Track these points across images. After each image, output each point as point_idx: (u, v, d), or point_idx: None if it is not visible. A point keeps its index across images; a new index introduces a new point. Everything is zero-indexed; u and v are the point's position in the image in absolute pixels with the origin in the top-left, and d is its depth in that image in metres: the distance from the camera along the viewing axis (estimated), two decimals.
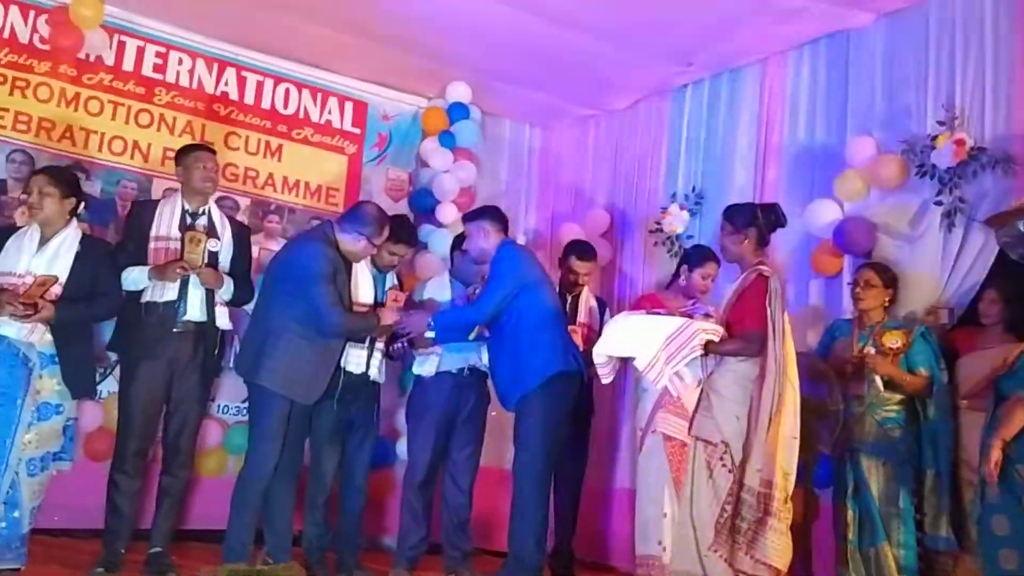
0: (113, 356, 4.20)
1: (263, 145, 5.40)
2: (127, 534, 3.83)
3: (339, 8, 4.83)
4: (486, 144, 5.97)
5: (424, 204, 5.62)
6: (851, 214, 4.37)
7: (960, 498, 3.60)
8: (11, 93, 4.67)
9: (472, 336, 4.13)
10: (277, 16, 4.95)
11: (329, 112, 5.64)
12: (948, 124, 4.01)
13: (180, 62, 5.17)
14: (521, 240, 6.00)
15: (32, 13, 4.76)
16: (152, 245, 3.96)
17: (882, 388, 3.80)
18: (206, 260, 3.95)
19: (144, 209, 4.13)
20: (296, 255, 3.84)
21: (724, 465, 3.24)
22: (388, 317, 3.93)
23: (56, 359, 3.53)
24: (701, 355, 3.40)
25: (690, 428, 3.40)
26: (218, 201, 4.96)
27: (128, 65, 5.01)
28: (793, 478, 3.26)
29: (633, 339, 3.49)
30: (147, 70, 5.07)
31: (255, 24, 5.08)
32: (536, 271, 4.02)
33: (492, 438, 5.21)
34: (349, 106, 5.70)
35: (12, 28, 4.72)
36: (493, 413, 5.13)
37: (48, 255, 3.61)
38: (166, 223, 4.00)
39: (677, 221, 5.26)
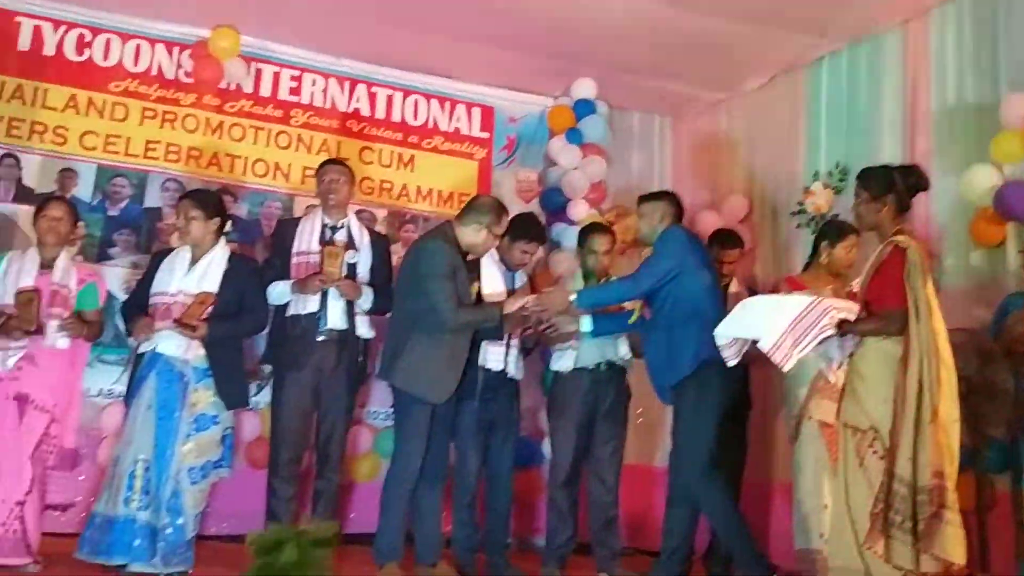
0: (268, 368, 4.40)
1: (396, 157, 5.53)
2: None
3: (460, 16, 4.89)
4: (615, 138, 5.90)
5: (555, 203, 5.61)
6: (1011, 178, 4.02)
7: None
8: (161, 126, 5.01)
9: (633, 319, 4.01)
10: (402, 30, 5.08)
11: (457, 119, 5.72)
12: None
13: (314, 83, 5.39)
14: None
15: (176, 50, 5.08)
16: (294, 260, 4.14)
17: None
18: (344, 272, 4.06)
19: (287, 226, 4.32)
20: (416, 255, 3.88)
21: (875, 452, 3.01)
22: (512, 304, 3.87)
23: (209, 372, 3.71)
24: (836, 335, 3.18)
25: (837, 414, 3.19)
26: (356, 214, 5.15)
27: (265, 91, 5.27)
28: (957, 464, 3.01)
29: (758, 320, 3.30)
30: (283, 94, 5.31)
31: (382, 40, 5.22)
32: (700, 256, 3.86)
33: (639, 436, 5.14)
34: (476, 112, 5.77)
35: (159, 66, 5.06)
36: (639, 411, 5.09)
37: (198, 274, 3.79)
38: (307, 238, 4.16)
39: (821, 200, 5.01)
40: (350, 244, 4.18)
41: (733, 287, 4.56)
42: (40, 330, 3.64)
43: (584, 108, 5.72)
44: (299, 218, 4.46)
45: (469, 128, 5.75)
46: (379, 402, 5.03)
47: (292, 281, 4.03)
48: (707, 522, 4.13)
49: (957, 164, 4.29)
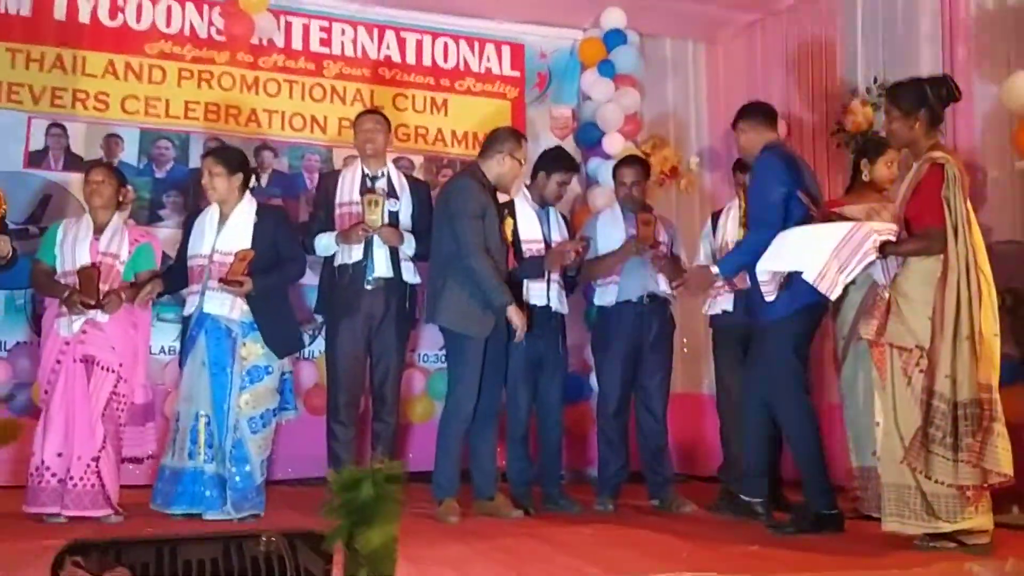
0: (319, 318, 4.53)
1: (429, 102, 5.56)
2: None
3: None
4: (648, 67, 5.85)
5: (590, 137, 5.60)
6: None
7: None
8: (199, 86, 5.09)
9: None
10: None
11: (487, 60, 5.71)
12: None
13: (343, 33, 5.41)
14: (695, 162, 5.86)
15: (206, 8, 5.13)
16: (338, 211, 4.22)
17: None
18: (386, 220, 4.14)
19: (328, 179, 4.40)
20: (445, 195, 3.96)
21: (921, 371, 3.05)
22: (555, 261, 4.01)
23: (256, 326, 3.82)
24: (879, 258, 3.18)
25: (883, 334, 3.20)
26: (394, 161, 5.21)
27: (297, 44, 5.31)
28: (998, 376, 3.02)
29: (799, 251, 3.30)
30: (314, 46, 5.35)
31: None
32: (798, 181, 3.67)
33: (685, 365, 5.21)
34: (506, 50, 5.75)
35: (191, 25, 5.12)
36: (684, 340, 5.14)
37: (229, 231, 3.86)
38: (348, 189, 4.23)
39: (860, 117, 4.93)
40: (390, 192, 4.24)
41: None
42: (101, 304, 3.77)
43: (615, 39, 5.66)
44: (340, 170, 4.53)
45: (500, 67, 5.74)
46: (429, 345, 5.16)
47: (336, 232, 4.12)
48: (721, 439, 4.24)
49: (998, 72, 4.20)
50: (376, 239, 4.13)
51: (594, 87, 5.60)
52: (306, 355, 5.00)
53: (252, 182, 4.01)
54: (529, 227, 4.19)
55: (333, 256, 4.21)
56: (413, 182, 4.43)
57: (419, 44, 5.57)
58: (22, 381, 4.58)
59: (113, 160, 4.84)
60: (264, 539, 1.07)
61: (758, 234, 3.59)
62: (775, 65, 5.72)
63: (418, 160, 5.47)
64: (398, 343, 4.26)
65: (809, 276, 3.25)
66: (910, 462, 3.03)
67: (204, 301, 3.80)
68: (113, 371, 3.84)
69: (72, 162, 4.82)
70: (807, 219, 3.51)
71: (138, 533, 2.64)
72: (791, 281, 3.51)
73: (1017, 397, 3.46)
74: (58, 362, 3.79)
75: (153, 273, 4.00)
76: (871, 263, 3.21)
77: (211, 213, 3.93)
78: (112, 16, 5.00)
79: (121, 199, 4.00)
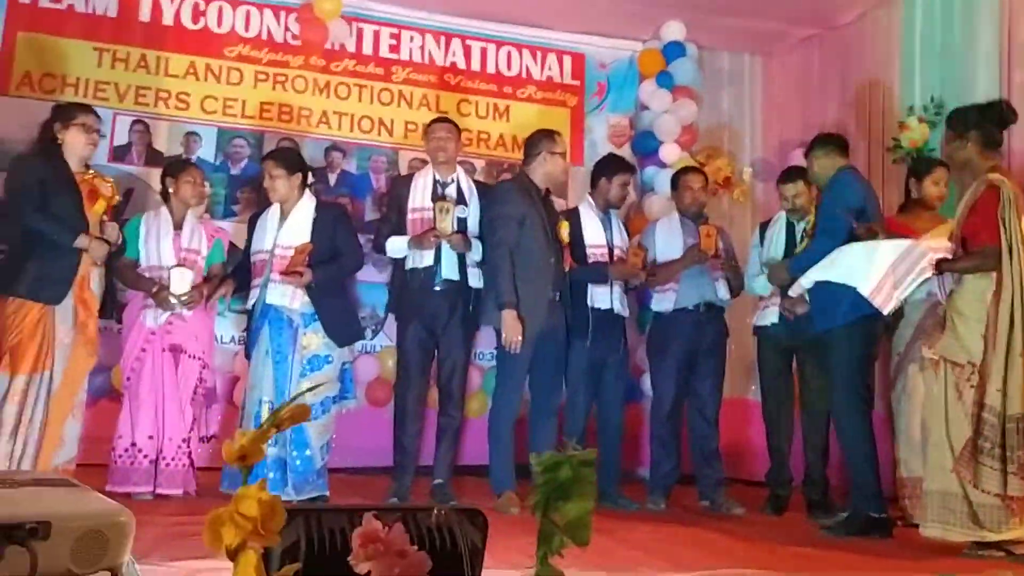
0: (379, 314, 4.72)
1: (492, 108, 5.73)
2: (412, 469, 4.32)
3: None
4: (705, 79, 5.97)
5: (646, 146, 5.74)
6: None
7: None
8: (274, 88, 5.31)
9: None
10: None
11: (549, 68, 5.87)
12: None
13: (412, 40, 5.61)
14: (748, 173, 5.98)
15: (283, 14, 5.34)
16: (410, 216, 4.38)
17: None
18: (455, 226, 4.31)
19: (401, 183, 4.57)
20: (487, 199, 4.25)
21: (972, 386, 3.17)
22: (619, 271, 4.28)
23: (316, 316, 4.03)
24: (935, 275, 3.31)
25: (936, 348, 3.32)
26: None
27: (367, 49, 5.51)
28: None
29: (854, 266, 3.43)
30: (384, 51, 5.55)
31: None
32: (868, 202, 3.84)
33: (734, 370, 5.33)
34: (567, 60, 5.91)
35: (268, 30, 5.34)
36: (732, 347, 5.27)
37: (289, 227, 4.07)
38: (420, 195, 4.39)
39: (916, 135, 5.02)
40: (460, 199, 4.41)
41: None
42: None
43: (674, 51, 5.80)
44: (412, 176, 4.69)
45: (561, 76, 5.90)
46: (484, 344, 5.32)
47: (409, 237, 4.31)
48: (805, 453, 4.36)
49: None
50: (445, 245, 4.31)
51: (652, 97, 5.74)
52: (368, 349, 5.20)
53: (309, 179, 4.22)
54: (593, 233, 4.38)
55: (404, 259, 4.40)
56: (482, 188, 4.60)
57: (484, 52, 5.75)
58: (100, 365, 4.82)
59: (191, 156, 5.08)
60: (436, 512, 1.23)
61: (824, 242, 3.74)
62: (831, 80, 5.82)
63: (479, 164, 5.65)
64: (463, 343, 4.42)
65: (864, 290, 3.37)
66: (959, 471, 3.15)
67: (266, 293, 4.01)
68: (199, 359, 4.12)
69: (153, 158, 5.06)
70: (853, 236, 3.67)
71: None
72: (846, 294, 3.64)
73: None
74: (143, 350, 4.04)
75: (223, 267, 4.26)
76: (926, 280, 3.33)
77: (272, 211, 4.14)
78: (194, 20, 5.24)
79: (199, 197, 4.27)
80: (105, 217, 3.93)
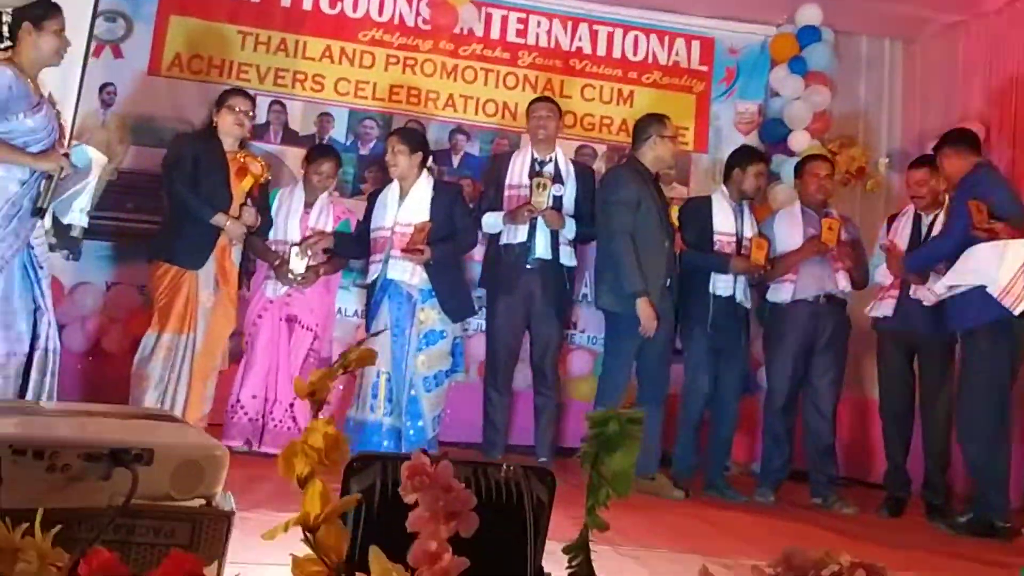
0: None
1: (616, 93, 5.71)
2: (502, 444, 4.40)
3: None
4: (841, 65, 5.76)
5: (775, 134, 5.59)
6: None
7: None
8: (403, 71, 5.46)
9: None
10: None
11: (676, 53, 5.79)
12: None
13: (539, 25, 5.65)
14: (883, 164, 5.75)
15: None
16: (507, 192, 4.48)
17: None
18: (551, 203, 4.35)
19: (500, 160, 4.68)
20: (601, 184, 4.27)
21: None
22: (741, 266, 4.23)
23: (433, 292, 4.16)
24: None
25: None
26: (577, 150, 5.41)
27: (495, 34, 5.59)
28: None
29: (983, 266, 3.27)
30: (511, 36, 5.62)
31: None
32: (1003, 200, 3.69)
33: (854, 368, 5.14)
34: (696, 44, 5.81)
35: (400, 15, 5.50)
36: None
37: (409, 205, 4.21)
38: (518, 172, 4.48)
39: None
40: (557, 178, 4.45)
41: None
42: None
43: (809, 35, 5.62)
44: (511, 153, 4.77)
45: (688, 61, 5.81)
46: (597, 328, 5.34)
47: (504, 212, 4.37)
48: (923, 455, 4.19)
49: None
50: (540, 221, 4.35)
51: (783, 83, 5.59)
52: (483, 328, 5.30)
53: (428, 161, 4.36)
54: (723, 221, 4.34)
55: (499, 235, 4.47)
56: (579, 168, 4.62)
57: (610, 36, 5.73)
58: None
59: (324, 136, 5.31)
60: (504, 467, 1.28)
61: (946, 241, 3.59)
62: (976, 69, 5.50)
63: (601, 149, 5.65)
64: (556, 320, 4.47)
65: (993, 290, 3.22)
66: None
67: (387, 268, 4.15)
68: (311, 330, 4.34)
69: (289, 137, 5.31)
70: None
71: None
72: (979, 295, 3.49)
73: None
74: (259, 317, 4.31)
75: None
76: None
77: (392, 189, 4.28)
78: (332, 5, 5.45)
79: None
80: (250, 198, 4.16)
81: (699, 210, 4.41)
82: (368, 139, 5.40)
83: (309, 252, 4.26)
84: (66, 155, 3.39)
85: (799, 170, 4.51)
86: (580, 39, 5.70)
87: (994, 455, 3.60)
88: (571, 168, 4.53)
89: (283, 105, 5.34)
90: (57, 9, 3.39)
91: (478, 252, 4.90)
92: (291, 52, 5.37)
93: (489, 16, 5.59)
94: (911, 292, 4.09)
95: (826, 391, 4.32)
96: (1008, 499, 3.58)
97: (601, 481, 1.03)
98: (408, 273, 4.14)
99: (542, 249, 4.35)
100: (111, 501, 1.22)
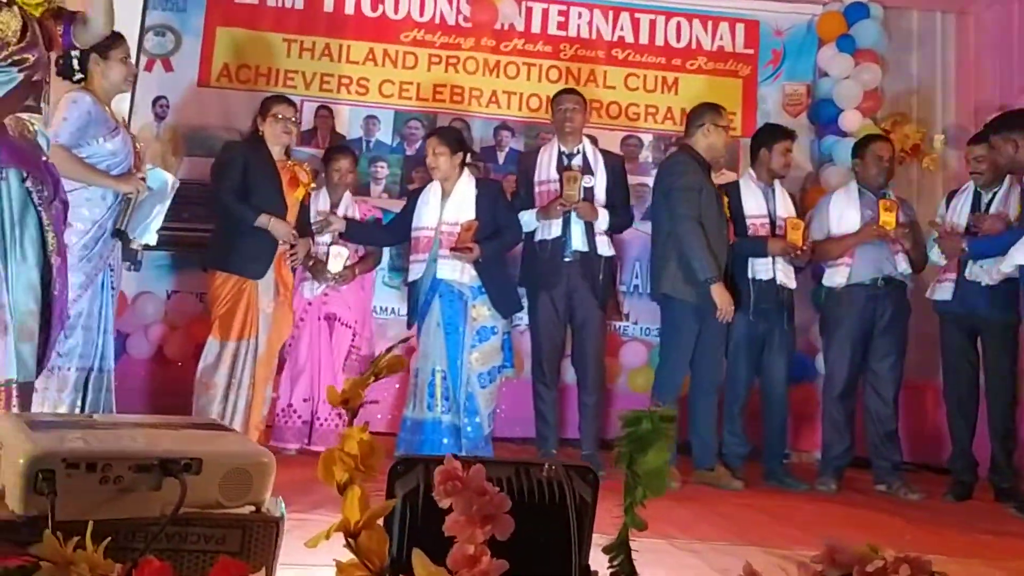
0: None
1: (660, 81, 5.65)
2: (554, 438, 4.39)
3: None
4: (891, 41, 5.62)
5: (825, 114, 5.48)
6: None
7: None
8: (446, 70, 5.48)
9: None
10: None
11: (720, 38, 5.71)
12: None
13: (579, 16, 5.62)
14: (939, 140, 5.60)
15: None
16: (537, 189, 4.45)
17: None
18: (582, 195, 4.32)
19: (527, 157, 4.66)
20: (661, 172, 4.23)
21: None
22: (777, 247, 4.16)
23: (483, 289, 4.19)
24: None
25: None
26: (623, 140, 5.38)
27: (535, 28, 5.58)
28: None
29: None
30: (552, 29, 5.59)
31: None
32: None
33: (917, 351, 5.02)
34: (740, 28, 5.72)
35: (441, 14, 5.52)
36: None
37: (452, 204, 4.23)
38: (546, 167, 4.45)
39: None
40: (586, 169, 4.42)
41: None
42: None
43: (857, 12, 5.49)
44: (537, 149, 4.74)
45: (733, 45, 5.72)
46: (650, 319, 5.30)
47: (536, 209, 4.36)
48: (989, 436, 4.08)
49: None
50: (573, 214, 4.33)
51: (832, 63, 5.47)
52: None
53: (468, 158, 4.37)
54: (754, 204, 4.28)
55: (533, 232, 4.46)
56: (607, 157, 4.57)
57: (652, 24, 5.67)
58: None
59: (370, 139, 5.36)
60: (547, 467, 1.28)
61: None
62: None
63: (647, 138, 5.60)
64: (597, 314, 4.44)
65: None
66: None
67: (437, 268, 4.17)
68: (350, 327, 4.46)
69: (336, 141, 5.37)
70: None
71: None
72: None
73: None
74: (300, 319, 4.40)
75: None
76: None
77: (433, 189, 4.29)
78: (373, 8, 5.49)
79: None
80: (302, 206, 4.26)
81: (728, 196, 4.33)
82: (414, 140, 5.44)
83: (339, 247, 4.35)
84: (143, 178, 3.54)
85: (859, 151, 4.41)
86: (622, 28, 5.65)
87: None
88: (600, 158, 4.49)
89: (329, 110, 5.40)
90: (121, 38, 3.53)
91: (516, 249, 4.90)
92: (335, 57, 5.43)
93: (529, 10, 5.57)
94: (967, 274, 3.98)
95: (887, 376, 4.24)
96: None
97: (636, 480, 1.03)
98: (458, 272, 4.16)
99: (578, 242, 4.32)
100: (162, 511, 1.25)
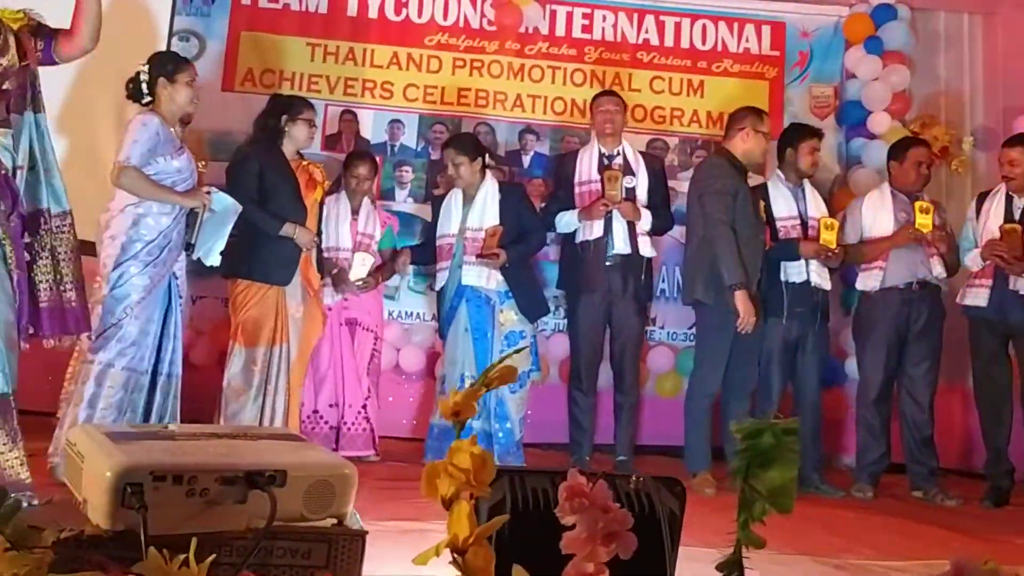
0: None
1: (686, 84, 5.61)
2: (589, 445, 4.36)
3: None
4: (918, 43, 5.58)
5: (853, 117, 5.44)
6: None
7: None
8: (471, 74, 5.44)
9: None
10: None
11: (746, 40, 5.67)
12: None
13: (604, 19, 5.58)
14: (968, 142, 5.56)
15: (479, 1, 5.48)
16: (578, 190, 4.44)
17: None
18: (623, 195, 4.30)
19: (566, 159, 4.66)
20: (696, 175, 4.21)
21: None
22: (809, 249, 4.12)
23: (510, 294, 4.18)
24: None
25: None
26: (649, 143, 5.34)
27: (560, 31, 5.54)
28: None
29: None
30: (576, 32, 5.56)
31: None
32: None
33: (951, 355, 4.98)
34: (766, 30, 5.68)
35: (465, 17, 5.49)
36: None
37: (476, 210, 4.23)
38: (586, 168, 4.45)
39: None
40: (626, 170, 4.40)
41: None
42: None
43: (884, 13, 5.45)
44: (577, 151, 4.73)
45: (759, 47, 5.68)
46: (678, 323, 5.26)
47: (578, 210, 4.33)
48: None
49: None
50: (615, 215, 4.30)
51: (859, 65, 5.44)
52: (562, 328, 5.26)
53: (488, 161, 4.39)
54: (783, 206, 4.25)
55: (574, 233, 4.43)
56: (647, 158, 4.55)
57: (677, 27, 5.63)
58: None
59: (395, 143, 5.34)
60: (635, 478, 1.25)
61: None
62: None
63: (673, 142, 5.56)
64: (637, 317, 4.42)
65: None
66: None
67: (462, 274, 4.14)
68: (372, 331, 4.44)
69: (360, 145, 5.34)
70: None
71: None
72: None
73: None
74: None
75: (393, 251, 4.58)
76: None
77: (455, 195, 4.30)
78: (397, 12, 5.46)
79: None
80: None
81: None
82: (438, 144, 5.39)
83: (364, 254, 4.38)
84: (208, 192, 3.62)
85: (897, 154, 4.36)
86: (647, 31, 5.62)
87: None
88: (640, 159, 4.49)
89: (354, 114, 5.37)
90: (187, 62, 3.68)
91: (552, 252, 4.89)
92: (359, 61, 5.40)
93: (554, 13, 5.54)
94: (1010, 284, 3.94)
95: (922, 380, 4.20)
96: None
97: (754, 495, 0.99)
98: (484, 278, 4.14)
99: (620, 242, 4.30)
100: (248, 524, 1.22)
